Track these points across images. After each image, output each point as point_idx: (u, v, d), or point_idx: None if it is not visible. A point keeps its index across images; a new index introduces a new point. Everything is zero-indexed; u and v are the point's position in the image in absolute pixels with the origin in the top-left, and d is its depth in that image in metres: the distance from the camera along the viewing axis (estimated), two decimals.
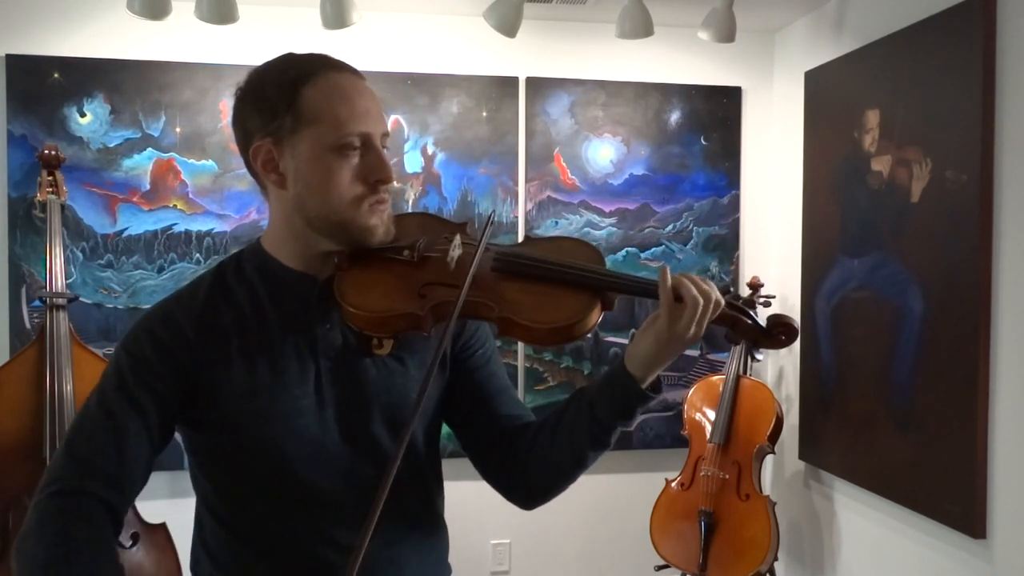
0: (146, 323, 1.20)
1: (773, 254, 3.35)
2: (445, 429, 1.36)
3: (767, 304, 3.05)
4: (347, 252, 1.20)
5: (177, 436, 1.24)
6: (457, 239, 1.21)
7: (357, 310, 1.16)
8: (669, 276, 1.13)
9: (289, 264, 1.23)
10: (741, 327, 1.20)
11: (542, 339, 1.18)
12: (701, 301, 1.11)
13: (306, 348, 1.20)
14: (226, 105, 2.98)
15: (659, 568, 3.04)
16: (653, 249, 3.26)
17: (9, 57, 2.86)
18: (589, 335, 1.18)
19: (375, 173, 1.16)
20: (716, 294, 1.14)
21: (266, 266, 1.23)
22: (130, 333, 1.20)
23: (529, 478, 1.29)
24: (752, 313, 1.21)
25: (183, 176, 2.98)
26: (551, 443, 1.25)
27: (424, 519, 1.29)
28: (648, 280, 1.17)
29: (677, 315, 1.12)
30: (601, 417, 1.20)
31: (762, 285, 3.07)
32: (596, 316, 1.17)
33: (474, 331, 1.33)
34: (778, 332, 1.20)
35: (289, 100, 1.14)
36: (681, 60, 3.29)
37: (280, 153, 1.16)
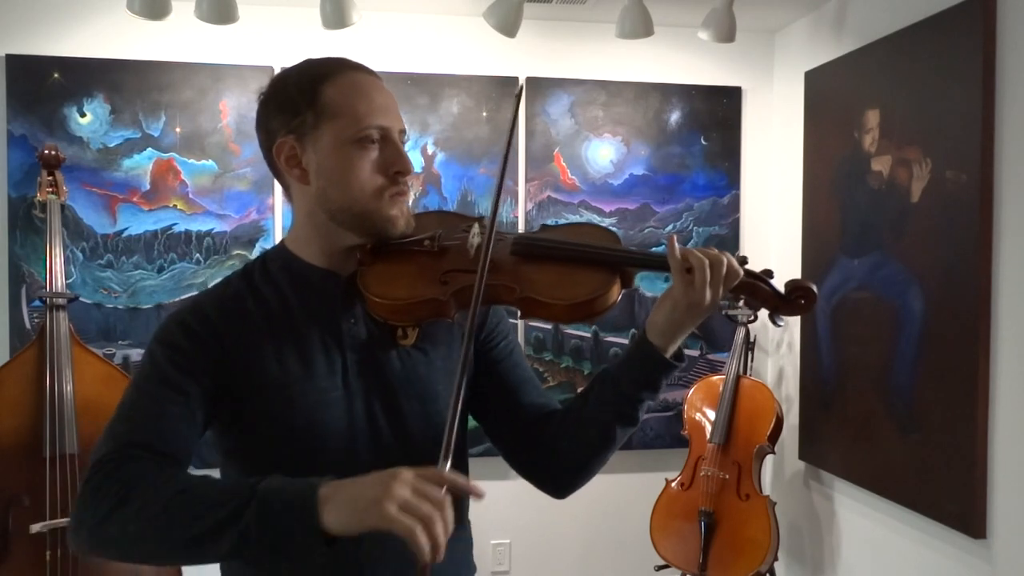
0: (177, 316, 1.21)
1: (773, 254, 3.35)
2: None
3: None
4: (368, 247, 1.22)
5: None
6: (476, 228, 1.25)
7: (381, 299, 1.19)
8: (677, 246, 1.17)
9: (313, 262, 1.25)
10: (760, 294, 1.23)
11: (564, 315, 1.21)
12: (707, 262, 1.15)
13: (332, 342, 1.22)
14: (226, 105, 2.98)
15: (659, 568, 3.04)
16: (653, 249, 3.26)
17: (9, 57, 2.87)
18: (609, 312, 1.22)
19: (394, 165, 1.20)
20: (730, 260, 1.17)
21: (290, 265, 1.26)
22: (161, 327, 1.21)
23: (559, 464, 1.31)
24: (770, 280, 1.24)
25: (183, 176, 2.98)
26: (579, 425, 1.27)
27: (456, 510, 1.30)
28: (663, 255, 1.21)
29: (689, 281, 1.15)
30: (627, 391, 1.22)
31: None
32: (616, 292, 1.21)
33: (496, 324, 1.35)
34: (797, 297, 1.23)
35: (310, 97, 1.18)
36: (681, 60, 3.29)
37: (302, 149, 1.20)
